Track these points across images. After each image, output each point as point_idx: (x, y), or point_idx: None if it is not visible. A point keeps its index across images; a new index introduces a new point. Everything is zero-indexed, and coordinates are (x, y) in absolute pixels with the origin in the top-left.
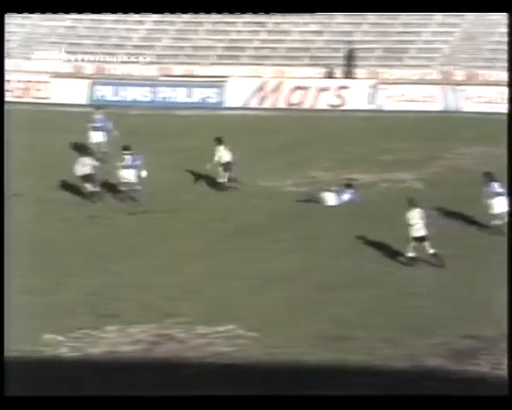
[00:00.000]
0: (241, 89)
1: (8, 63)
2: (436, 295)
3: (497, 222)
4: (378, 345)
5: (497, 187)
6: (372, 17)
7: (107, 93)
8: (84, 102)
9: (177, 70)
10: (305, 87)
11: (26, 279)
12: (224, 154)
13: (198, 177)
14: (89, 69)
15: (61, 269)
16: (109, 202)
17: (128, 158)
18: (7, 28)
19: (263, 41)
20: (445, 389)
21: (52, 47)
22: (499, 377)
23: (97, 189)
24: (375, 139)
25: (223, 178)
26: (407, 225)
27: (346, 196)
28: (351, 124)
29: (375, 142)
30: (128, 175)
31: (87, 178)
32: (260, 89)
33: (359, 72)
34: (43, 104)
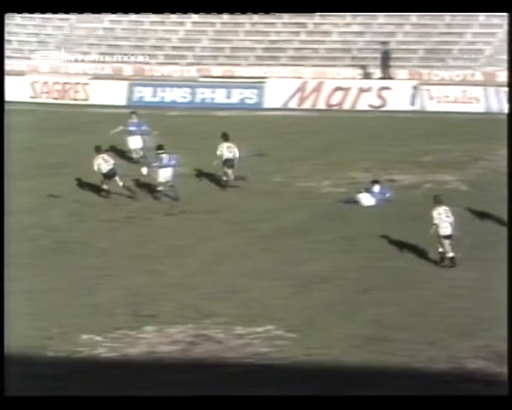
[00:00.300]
0: (280, 90)
1: (46, 65)
2: (477, 297)
3: None
4: (418, 347)
5: None
6: (414, 17)
7: (146, 94)
8: (122, 103)
9: (217, 71)
10: (345, 88)
11: (65, 280)
12: (225, 151)
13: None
14: (128, 70)
15: (98, 270)
16: (146, 202)
17: (163, 157)
18: (44, 30)
19: (302, 42)
20: (485, 391)
21: (90, 49)
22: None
23: (122, 184)
24: (417, 140)
25: (224, 175)
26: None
27: (377, 189)
28: (392, 125)
29: (417, 143)
30: (164, 175)
31: (107, 175)
32: (300, 89)
33: (401, 73)
34: (81, 106)
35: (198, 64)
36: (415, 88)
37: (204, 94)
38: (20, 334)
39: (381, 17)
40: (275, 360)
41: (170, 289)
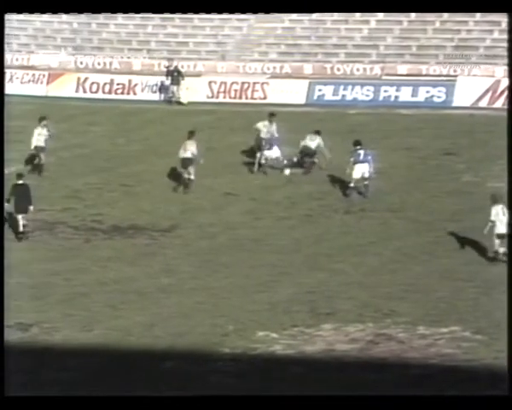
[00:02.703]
0: (471, 88)
1: (223, 65)
2: None
3: None
4: None
5: None
6: None
7: (326, 92)
8: (301, 101)
9: (402, 69)
10: None
11: (241, 277)
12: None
13: (423, 176)
14: (308, 69)
15: (275, 267)
16: (328, 200)
17: (360, 153)
18: (222, 31)
19: (495, 40)
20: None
21: (269, 49)
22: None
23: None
24: None
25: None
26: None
27: None
28: None
29: None
30: (360, 170)
31: (184, 161)
32: (492, 88)
33: None
34: (259, 105)
35: (382, 62)
36: None
37: (388, 92)
38: (197, 330)
39: None
40: (461, 361)
41: (348, 287)
